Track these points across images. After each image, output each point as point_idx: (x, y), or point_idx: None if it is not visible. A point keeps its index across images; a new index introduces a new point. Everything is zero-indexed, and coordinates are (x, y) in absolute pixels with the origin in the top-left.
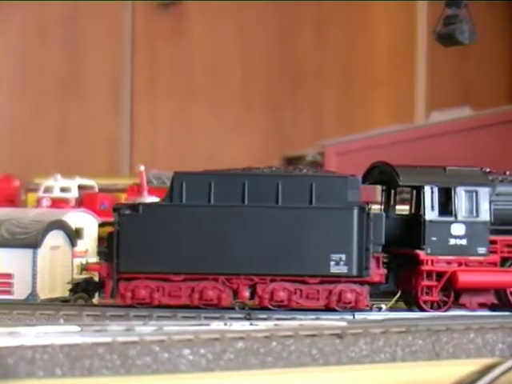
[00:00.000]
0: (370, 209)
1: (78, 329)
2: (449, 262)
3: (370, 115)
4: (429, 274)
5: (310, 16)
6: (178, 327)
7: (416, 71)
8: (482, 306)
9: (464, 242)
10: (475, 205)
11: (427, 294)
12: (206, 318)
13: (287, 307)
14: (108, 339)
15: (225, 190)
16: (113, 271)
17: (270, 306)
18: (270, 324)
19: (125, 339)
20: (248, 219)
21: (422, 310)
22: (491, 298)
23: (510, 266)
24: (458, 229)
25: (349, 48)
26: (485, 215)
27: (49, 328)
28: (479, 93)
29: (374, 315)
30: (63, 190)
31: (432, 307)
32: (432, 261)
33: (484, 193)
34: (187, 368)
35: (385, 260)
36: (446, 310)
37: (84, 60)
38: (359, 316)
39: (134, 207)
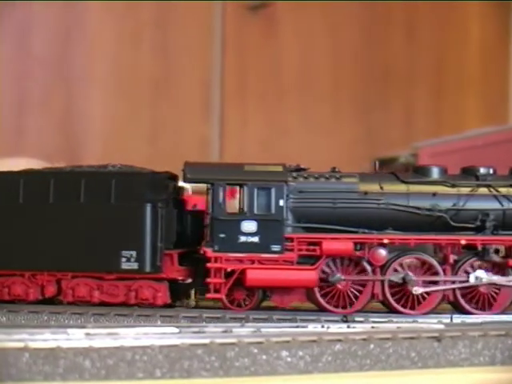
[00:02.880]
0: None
1: (176, 330)
2: (241, 260)
3: (461, 116)
4: (218, 272)
5: (400, 16)
6: (275, 329)
7: (509, 70)
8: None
9: (256, 239)
10: (269, 202)
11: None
12: (302, 320)
13: (88, 303)
14: (206, 341)
15: (33, 189)
16: None
17: (75, 302)
18: (367, 326)
19: (223, 341)
20: (52, 217)
21: (227, 307)
22: (303, 297)
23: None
24: (249, 226)
25: (440, 48)
26: (279, 212)
27: (147, 329)
28: None
29: (472, 318)
30: None
31: (238, 306)
32: (221, 258)
33: (278, 190)
34: (285, 370)
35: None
36: (249, 309)
37: (175, 62)
38: (457, 319)
39: None
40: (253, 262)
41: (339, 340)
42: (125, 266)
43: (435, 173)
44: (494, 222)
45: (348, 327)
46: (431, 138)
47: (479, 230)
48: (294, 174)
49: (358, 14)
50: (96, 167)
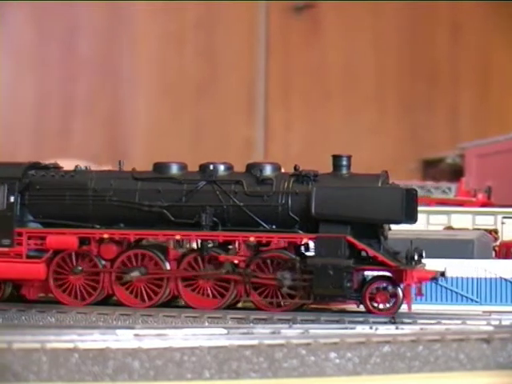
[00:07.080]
0: None
1: (225, 331)
2: None
3: (507, 116)
4: None
5: (445, 16)
6: (323, 330)
7: None
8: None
9: None
10: (1, 198)
11: None
12: (350, 321)
13: None
14: (255, 342)
15: None
16: None
17: None
18: (415, 328)
19: (271, 342)
20: None
21: None
22: (46, 290)
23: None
24: None
25: (485, 48)
26: (10, 208)
27: (195, 330)
28: None
29: None
30: None
31: None
32: None
33: (10, 186)
34: (334, 371)
35: None
36: None
37: (219, 64)
38: (506, 320)
39: None
40: None
41: (388, 341)
42: None
43: (174, 169)
44: (214, 218)
45: (396, 329)
46: (476, 139)
47: (201, 225)
48: (33, 171)
49: (402, 14)
50: None
